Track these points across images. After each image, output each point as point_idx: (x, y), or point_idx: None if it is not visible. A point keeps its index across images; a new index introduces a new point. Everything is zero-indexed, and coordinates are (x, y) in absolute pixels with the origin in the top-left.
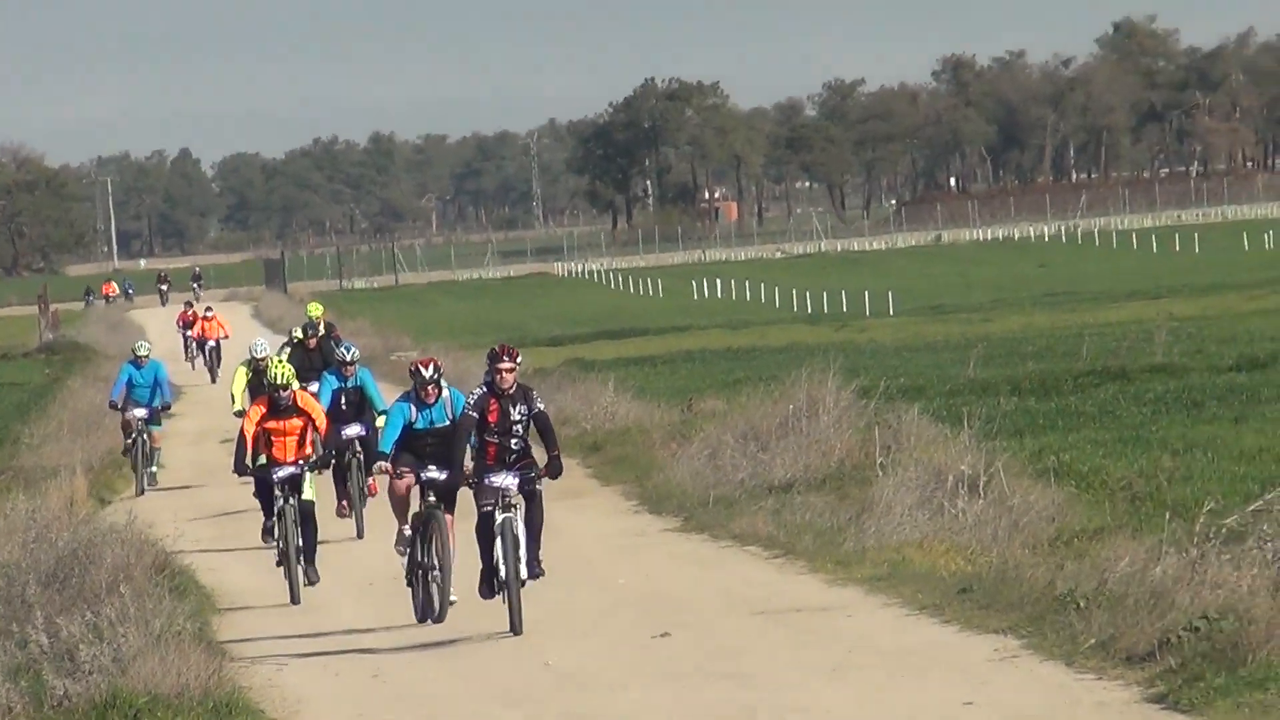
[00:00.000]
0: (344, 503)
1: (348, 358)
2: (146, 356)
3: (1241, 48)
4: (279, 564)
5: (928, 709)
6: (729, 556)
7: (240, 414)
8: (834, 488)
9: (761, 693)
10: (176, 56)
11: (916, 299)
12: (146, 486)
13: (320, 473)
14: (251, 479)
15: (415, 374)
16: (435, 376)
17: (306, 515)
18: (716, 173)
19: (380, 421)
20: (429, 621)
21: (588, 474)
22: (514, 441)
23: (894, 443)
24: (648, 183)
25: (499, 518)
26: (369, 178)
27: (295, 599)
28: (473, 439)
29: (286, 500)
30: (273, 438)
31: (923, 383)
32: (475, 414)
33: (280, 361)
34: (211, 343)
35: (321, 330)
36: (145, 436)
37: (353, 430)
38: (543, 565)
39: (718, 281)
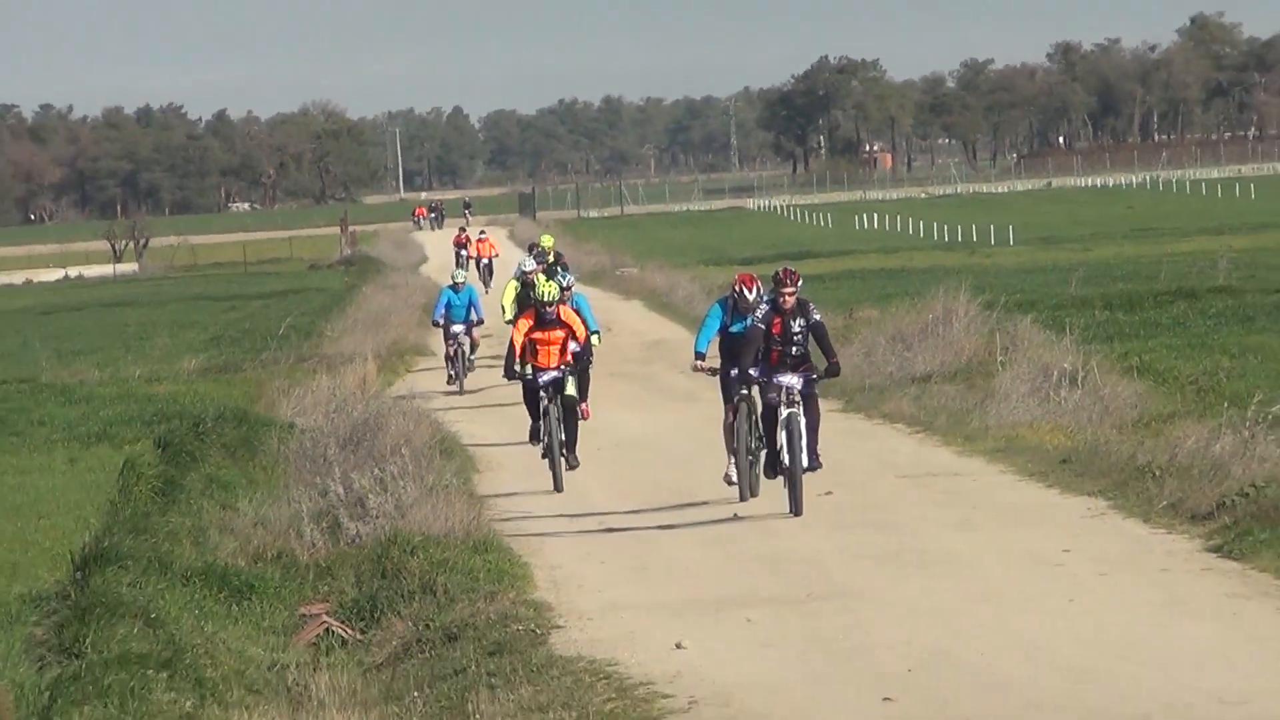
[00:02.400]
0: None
1: (564, 283)
2: (463, 283)
3: None
4: (544, 456)
5: (1035, 554)
6: (879, 432)
7: (510, 323)
8: (963, 379)
9: (904, 538)
10: (452, 29)
11: (1031, 232)
12: (463, 388)
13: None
14: (517, 380)
15: (740, 295)
16: (757, 299)
17: (569, 409)
18: (875, 131)
19: (594, 340)
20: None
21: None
22: (794, 349)
23: (1011, 345)
24: (821, 138)
25: (784, 413)
26: (602, 131)
27: (559, 487)
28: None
29: (551, 400)
30: (538, 346)
31: (1035, 298)
32: (763, 326)
33: (548, 281)
34: (485, 260)
35: (551, 259)
36: (464, 347)
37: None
38: (820, 458)
39: (875, 216)
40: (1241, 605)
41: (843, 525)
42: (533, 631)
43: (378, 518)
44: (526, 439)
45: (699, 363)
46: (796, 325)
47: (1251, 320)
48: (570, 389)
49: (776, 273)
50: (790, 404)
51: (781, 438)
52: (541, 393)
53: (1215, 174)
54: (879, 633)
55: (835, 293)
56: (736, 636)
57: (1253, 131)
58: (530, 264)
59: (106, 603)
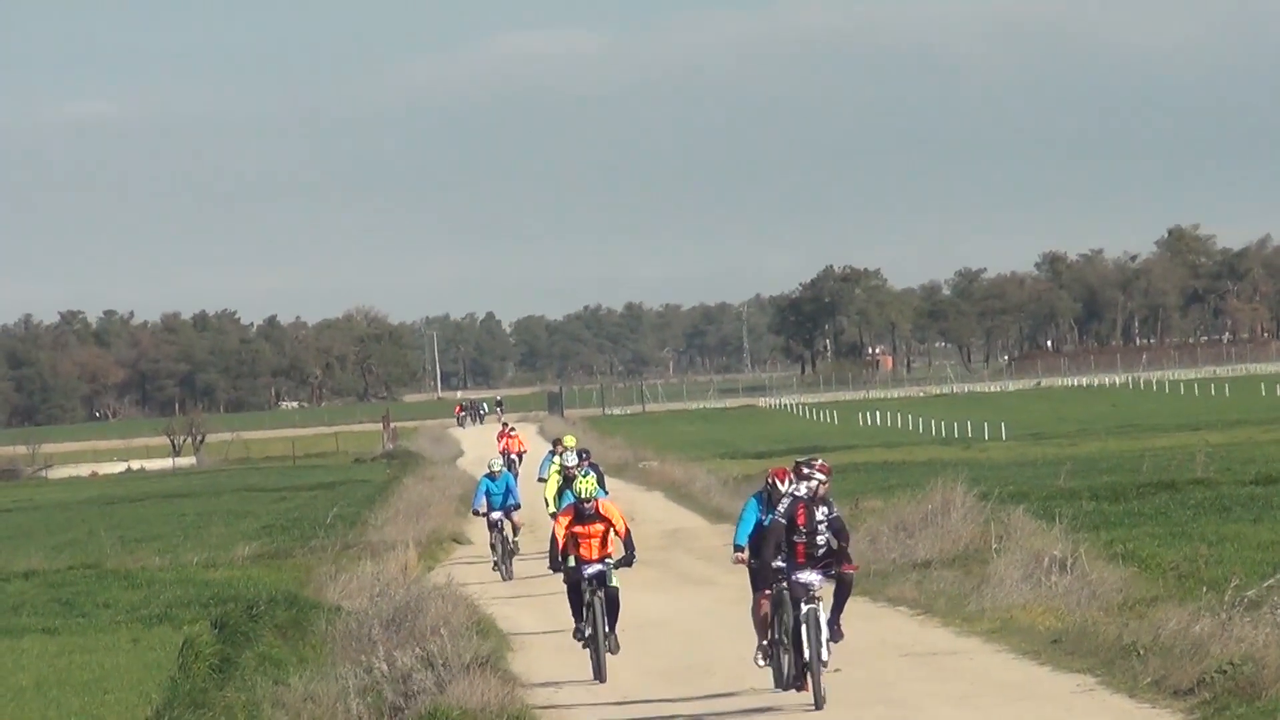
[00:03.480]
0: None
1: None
2: (499, 470)
3: (1261, 249)
4: (585, 647)
5: None
6: (884, 614)
7: (554, 516)
8: (961, 565)
9: (908, 713)
10: (486, 241)
11: (1022, 428)
12: (509, 575)
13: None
14: (561, 573)
15: (773, 488)
16: (790, 490)
17: (612, 599)
18: (877, 335)
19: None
20: (789, 689)
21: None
22: (819, 539)
23: (1005, 533)
24: (827, 341)
25: (804, 609)
26: (624, 334)
27: (601, 678)
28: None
29: (594, 593)
30: (579, 540)
31: (1026, 489)
32: (785, 520)
33: (586, 479)
34: (513, 455)
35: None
36: (507, 534)
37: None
38: (842, 629)
39: (877, 413)
40: None
41: (851, 702)
42: None
43: (419, 693)
44: (561, 626)
45: (739, 554)
46: (820, 514)
47: (1228, 510)
48: (614, 581)
49: (814, 464)
50: (810, 600)
51: (802, 633)
52: (584, 585)
53: (1192, 375)
54: None
55: (841, 484)
56: None
57: (1226, 335)
58: (572, 459)
59: None
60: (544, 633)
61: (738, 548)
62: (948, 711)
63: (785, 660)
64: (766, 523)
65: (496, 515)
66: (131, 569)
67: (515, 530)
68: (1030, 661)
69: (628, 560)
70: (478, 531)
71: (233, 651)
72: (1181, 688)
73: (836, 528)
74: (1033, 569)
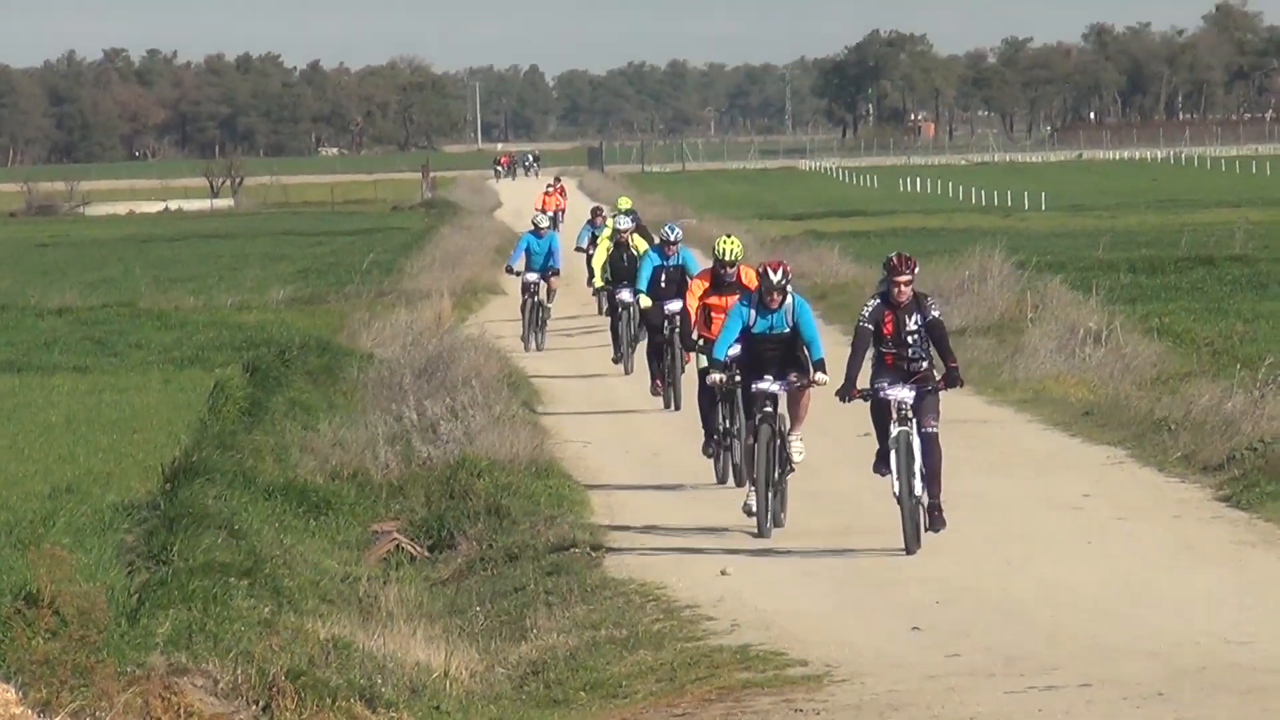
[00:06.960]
0: (658, 381)
1: (671, 238)
2: (546, 229)
3: None
4: (716, 458)
5: (1058, 497)
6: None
7: (598, 291)
8: (995, 334)
9: None
10: None
11: (1062, 200)
12: (541, 345)
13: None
14: (700, 352)
15: (764, 277)
16: (782, 282)
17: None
18: (920, 101)
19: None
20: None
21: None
22: (910, 352)
23: (1041, 303)
24: (870, 106)
25: (894, 431)
26: (667, 92)
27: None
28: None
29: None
30: (712, 314)
31: (1064, 260)
32: (870, 326)
33: (730, 239)
34: (551, 213)
35: (611, 220)
36: (541, 298)
37: (673, 306)
38: (944, 513)
39: (918, 179)
40: (1248, 552)
41: None
42: (588, 554)
43: (448, 443)
44: (590, 379)
45: (715, 375)
46: (912, 323)
47: (1265, 288)
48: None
49: (889, 259)
50: (903, 420)
51: (892, 461)
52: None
53: (1234, 152)
54: (910, 567)
55: (880, 248)
56: (777, 566)
57: (1270, 114)
58: (626, 222)
59: (193, 513)
60: (569, 376)
61: (715, 363)
62: (977, 479)
63: (774, 502)
64: (756, 329)
65: (534, 276)
66: (165, 309)
67: (550, 295)
68: (1061, 432)
69: None
70: (513, 284)
71: (263, 395)
72: (1211, 463)
73: (937, 334)
74: (1067, 340)
